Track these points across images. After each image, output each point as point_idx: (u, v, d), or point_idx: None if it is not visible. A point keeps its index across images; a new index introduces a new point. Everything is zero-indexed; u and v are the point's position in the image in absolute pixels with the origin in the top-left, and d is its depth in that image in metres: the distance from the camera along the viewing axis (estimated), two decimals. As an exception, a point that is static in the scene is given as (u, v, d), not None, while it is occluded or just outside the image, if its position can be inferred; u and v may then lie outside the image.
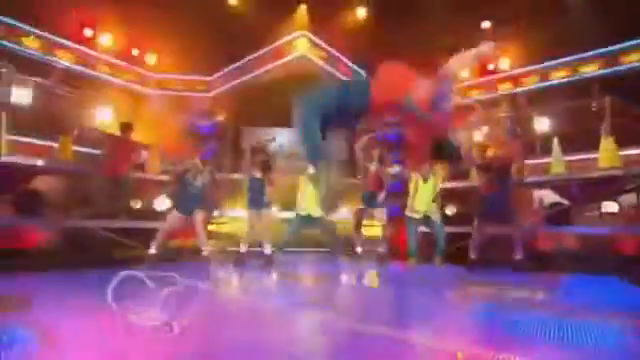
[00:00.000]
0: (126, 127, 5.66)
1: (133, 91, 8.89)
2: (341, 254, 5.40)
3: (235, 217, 6.52)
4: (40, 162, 4.95)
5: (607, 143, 5.30)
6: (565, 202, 5.16)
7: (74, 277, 3.63)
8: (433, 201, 5.10)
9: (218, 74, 9.54)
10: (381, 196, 5.22)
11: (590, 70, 8.02)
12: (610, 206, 4.89)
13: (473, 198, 4.89)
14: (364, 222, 5.60)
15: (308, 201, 5.19)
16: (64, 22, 7.70)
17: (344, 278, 4.45)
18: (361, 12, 9.54)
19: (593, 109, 6.73)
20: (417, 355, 1.69)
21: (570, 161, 5.97)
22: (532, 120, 7.77)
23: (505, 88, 9.07)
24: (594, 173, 5.11)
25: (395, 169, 5.76)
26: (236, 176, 6.69)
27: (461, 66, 2.13)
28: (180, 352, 1.63)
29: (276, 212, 6.41)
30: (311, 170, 5.36)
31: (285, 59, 8.72)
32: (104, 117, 7.55)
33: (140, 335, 1.77)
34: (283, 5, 9.01)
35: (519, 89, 8.85)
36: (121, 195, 5.44)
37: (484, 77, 9.29)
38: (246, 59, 9.19)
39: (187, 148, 6.31)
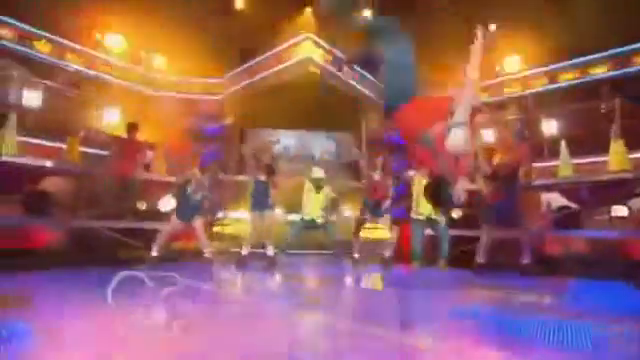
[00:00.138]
0: (132, 127, 5.73)
1: (140, 93, 9.00)
2: (344, 257, 5.38)
3: (239, 219, 6.55)
4: (48, 163, 5.04)
5: (617, 146, 5.21)
6: (573, 205, 5.08)
7: (80, 275, 3.67)
8: None
9: (225, 77, 9.63)
10: (385, 205, 5.20)
11: (599, 72, 7.90)
12: (620, 210, 4.79)
13: (480, 204, 4.83)
14: (366, 225, 5.58)
15: (312, 207, 5.25)
16: (74, 25, 7.85)
17: (346, 281, 4.43)
18: (367, 14, 9.55)
19: (602, 111, 6.62)
20: (416, 358, 1.67)
21: (579, 164, 5.88)
22: (540, 123, 7.68)
23: (513, 90, 8.97)
24: (603, 176, 5.02)
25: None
26: (241, 178, 6.74)
27: (477, 67, 2.12)
28: (177, 352, 1.63)
29: (280, 214, 6.42)
30: (315, 173, 5.39)
31: (290, 62, 8.76)
32: (111, 119, 7.66)
33: (138, 335, 1.78)
34: (289, 8, 9.07)
35: (527, 91, 8.75)
36: (127, 196, 5.51)
37: (491, 80, 9.20)
38: (252, 62, 9.27)
39: (191, 151, 6.38)
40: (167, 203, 5.51)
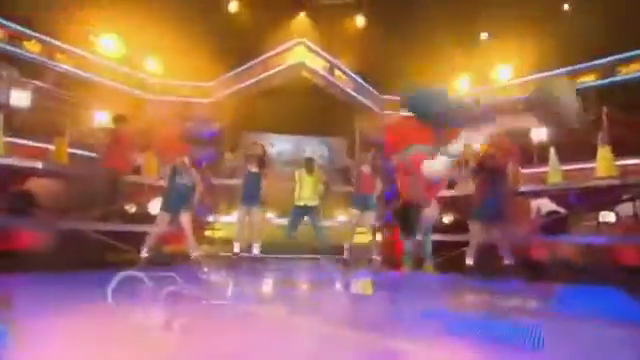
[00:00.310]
0: (120, 119, 5.48)
1: (131, 95, 8.94)
2: (333, 260, 5.37)
3: (230, 223, 6.50)
4: (35, 164, 4.94)
5: (604, 152, 5.29)
6: (562, 210, 5.13)
7: (64, 278, 3.60)
8: None
9: (218, 81, 9.62)
10: (377, 189, 5.15)
11: (587, 80, 8.06)
12: (607, 216, 4.86)
13: (468, 203, 4.83)
14: (356, 230, 5.58)
15: (305, 190, 5.31)
16: (67, 27, 7.80)
17: (335, 284, 4.40)
18: (360, 20, 9.65)
19: (590, 119, 6.73)
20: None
21: (567, 170, 5.95)
22: (530, 130, 7.77)
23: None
24: (591, 182, 5.08)
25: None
26: (233, 182, 6.69)
27: (436, 170, 2.00)
28: (164, 355, 1.59)
29: (271, 217, 6.38)
30: (307, 154, 5.41)
31: (283, 66, 8.79)
32: (101, 120, 7.59)
33: (127, 337, 1.73)
34: (283, 13, 9.12)
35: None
36: (116, 197, 5.42)
37: (484, 86, 9.34)
38: (245, 66, 9.28)
39: (183, 152, 6.30)
40: (157, 206, 5.43)
